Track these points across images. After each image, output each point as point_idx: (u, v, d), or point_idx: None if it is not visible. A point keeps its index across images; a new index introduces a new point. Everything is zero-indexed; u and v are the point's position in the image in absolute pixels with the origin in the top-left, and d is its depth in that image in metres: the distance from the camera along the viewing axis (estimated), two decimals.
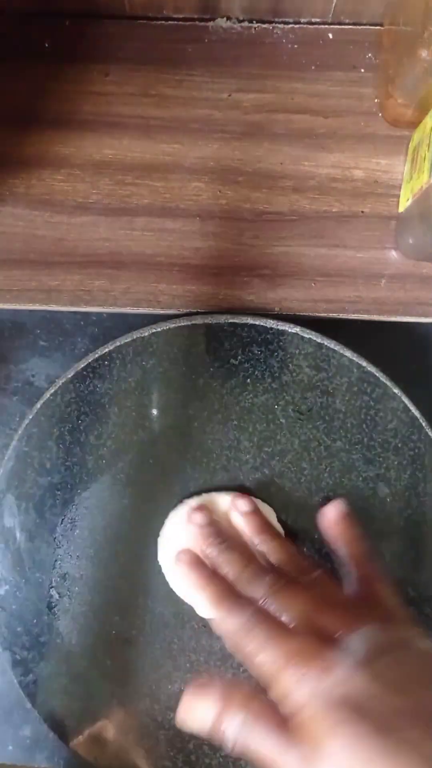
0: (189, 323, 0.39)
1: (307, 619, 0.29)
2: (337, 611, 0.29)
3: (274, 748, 0.26)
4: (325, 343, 0.39)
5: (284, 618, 0.29)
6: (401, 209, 0.40)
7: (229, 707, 0.27)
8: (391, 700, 0.25)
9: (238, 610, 0.30)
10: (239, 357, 0.39)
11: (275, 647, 0.28)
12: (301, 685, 0.26)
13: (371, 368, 0.38)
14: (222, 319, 0.39)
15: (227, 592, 0.31)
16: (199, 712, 0.28)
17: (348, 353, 0.38)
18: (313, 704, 0.25)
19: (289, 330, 0.39)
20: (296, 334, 0.39)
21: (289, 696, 0.26)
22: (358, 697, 0.25)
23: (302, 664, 0.26)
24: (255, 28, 0.43)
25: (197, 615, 0.38)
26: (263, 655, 0.28)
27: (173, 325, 0.39)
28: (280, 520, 0.38)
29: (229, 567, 0.33)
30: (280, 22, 0.43)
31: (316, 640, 0.28)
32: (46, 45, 0.43)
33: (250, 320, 0.39)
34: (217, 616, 0.31)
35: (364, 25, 0.43)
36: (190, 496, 0.39)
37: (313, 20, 0.43)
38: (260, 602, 0.30)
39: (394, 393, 0.38)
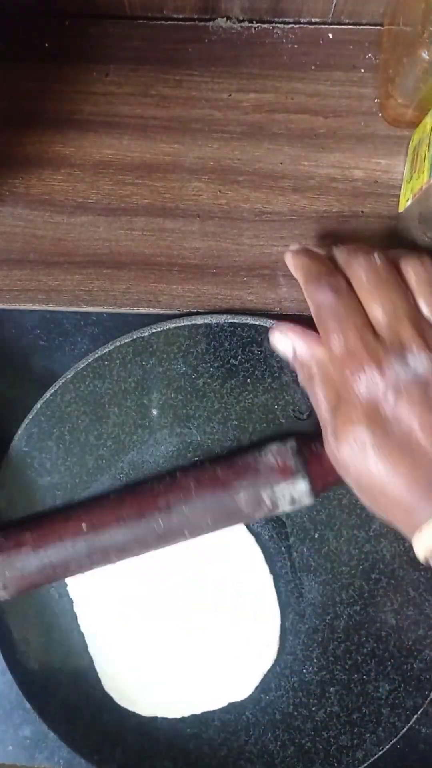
0: (189, 323, 0.39)
1: (393, 320, 0.30)
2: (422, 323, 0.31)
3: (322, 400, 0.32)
4: None
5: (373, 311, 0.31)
6: (401, 209, 0.40)
7: (309, 348, 0.33)
8: (411, 424, 0.29)
9: (330, 287, 0.32)
10: (239, 357, 0.39)
11: (349, 335, 0.30)
12: (356, 378, 0.30)
13: None
14: (222, 319, 0.39)
15: (327, 269, 0.33)
16: (283, 343, 0.34)
17: None
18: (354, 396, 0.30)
19: None
20: None
21: (343, 385, 0.31)
22: (385, 411, 0.29)
23: (362, 364, 0.30)
24: (255, 28, 0.43)
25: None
26: (335, 336, 0.31)
27: (173, 325, 0.39)
28: (280, 521, 0.38)
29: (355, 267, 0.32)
30: (280, 22, 0.43)
31: (391, 345, 0.30)
32: (46, 45, 0.43)
33: (250, 320, 0.39)
34: (306, 289, 0.33)
35: (364, 25, 0.43)
36: None
37: (313, 20, 0.43)
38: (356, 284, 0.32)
39: None
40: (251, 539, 0.38)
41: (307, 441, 0.36)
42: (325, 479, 0.35)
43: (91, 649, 0.39)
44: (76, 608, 0.39)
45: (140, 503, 0.36)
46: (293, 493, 0.34)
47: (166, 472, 0.38)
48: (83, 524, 0.35)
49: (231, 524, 0.36)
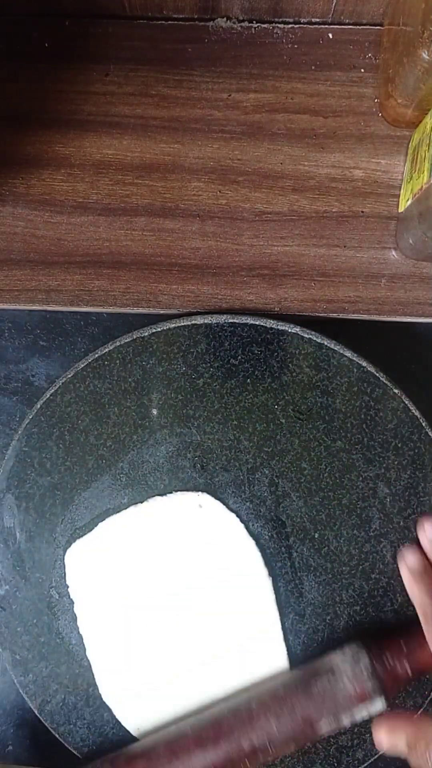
0: (189, 323, 0.39)
1: None
2: None
3: None
4: (325, 343, 0.39)
5: None
6: (401, 209, 0.40)
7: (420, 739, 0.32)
8: None
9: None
10: (239, 357, 0.39)
11: None
12: None
13: (371, 368, 0.38)
14: (222, 319, 0.39)
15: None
16: (395, 738, 0.33)
17: (348, 353, 0.38)
18: None
19: (289, 330, 0.39)
20: (296, 334, 0.39)
21: None
22: None
23: None
24: (255, 28, 0.43)
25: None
26: None
27: (173, 325, 0.39)
28: (279, 521, 0.38)
29: None
30: (280, 22, 0.43)
31: None
32: (46, 45, 0.43)
33: (250, 320, 0.39)
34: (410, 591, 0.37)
35: (364, 25, 0.43)
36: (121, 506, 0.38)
37: (313, 20, 0.43)
38: None
39: (394, 393, 0.38)
40: (251, 542, 0.38)
41: (377, 653, 0.35)
42: (398, 689, 0.36)
43: (89, 654, 0.38)
44: (77, 609, 0.39)
45: (226, 749, 0.35)
46: (371, 710, 0.35)
47: (242, 707, 0.36)
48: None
49: (308, 743, 0.37)
